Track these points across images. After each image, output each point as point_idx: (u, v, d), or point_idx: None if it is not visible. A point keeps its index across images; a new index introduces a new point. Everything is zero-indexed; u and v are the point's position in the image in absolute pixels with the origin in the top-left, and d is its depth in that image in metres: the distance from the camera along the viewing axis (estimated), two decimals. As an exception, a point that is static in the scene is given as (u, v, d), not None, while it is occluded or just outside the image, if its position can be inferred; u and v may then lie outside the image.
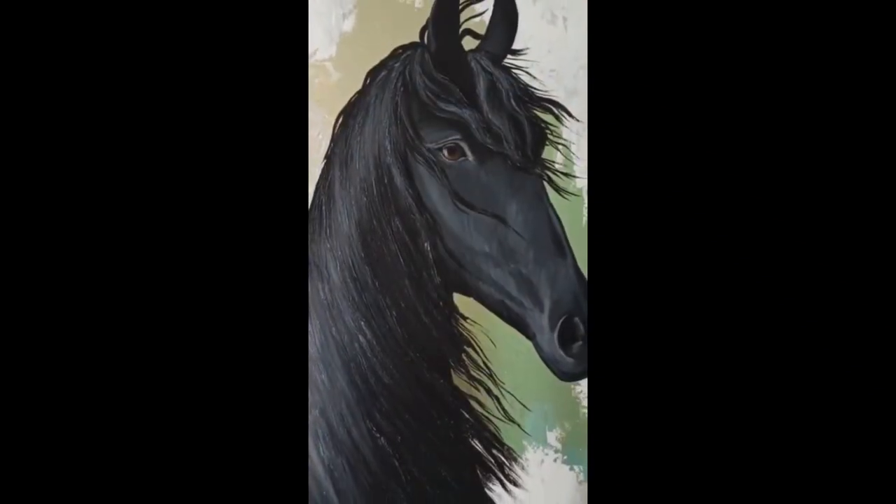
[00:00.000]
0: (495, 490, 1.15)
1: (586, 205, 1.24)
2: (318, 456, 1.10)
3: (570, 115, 1.17)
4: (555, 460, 1.22)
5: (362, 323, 1.10)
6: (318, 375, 1.11)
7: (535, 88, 1.16)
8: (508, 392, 1.14)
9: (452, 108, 1.09)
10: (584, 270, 1.03)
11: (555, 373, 1.06)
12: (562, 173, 1.14)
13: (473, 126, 1.08)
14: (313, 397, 1.11)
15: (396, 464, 1.09)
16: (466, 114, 1.09)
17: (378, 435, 1.09)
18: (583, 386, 1.22)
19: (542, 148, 1.15)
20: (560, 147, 1.18)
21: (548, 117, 1.15)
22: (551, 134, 1.15)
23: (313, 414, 1.11)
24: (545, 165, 1.12)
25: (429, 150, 1.10)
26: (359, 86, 1.18)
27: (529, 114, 1.13)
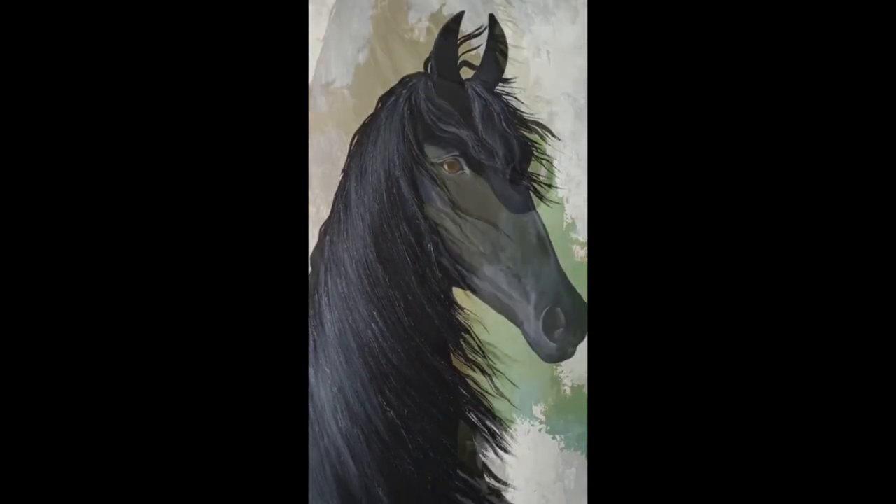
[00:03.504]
0: (489, 455, 1.30)
1: (567, 212, 1.39)
2: (336, 426, 1.24)
3: (552, 134, 1.32)
4: (539, 431, 1.38)
5: (375, 313, 1.23)
6: (337, 358, 1.24)
7: (522, 112, 1.28)
8: (500, 372, 1.28)
9: (452, 129, 1.22)
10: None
11: (539, 355, 1.19)
12: (545, 184, 1.27)
13: (470, 144, 1.21)
14: (332, 376, 1.24)
15: (404, 433, 1.23)
16: (464, 133, 1.21)
17: (388, 408, 1.23)
18: (563, 366, 1.37)
19: (529, 163, 1.28)
20: (544, 162, 1.31)
21: (533, 136, 1.28)
22: (536, 151, 1.28)
23: (332, 391, 1.24)
24: (531, 178, 1.26)
25: (431, 164, 1.22)
26: (371, 110, 1.30)
27: (518, 133, 1.26)
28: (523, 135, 1.28)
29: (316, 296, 1.27)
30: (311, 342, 1.26)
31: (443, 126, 1.23)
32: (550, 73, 1.34)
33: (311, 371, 1.25)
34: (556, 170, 1.35)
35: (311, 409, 1.25)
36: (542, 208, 1.26)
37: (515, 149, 1.24)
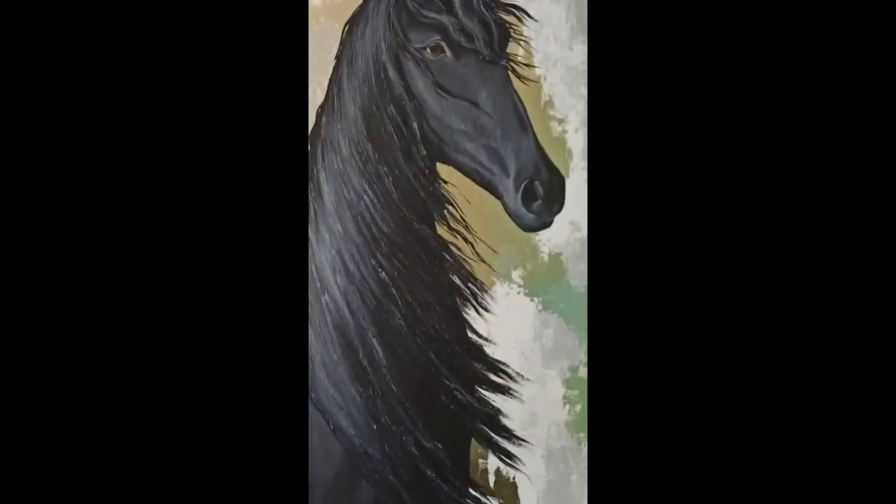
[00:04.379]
0: (470, 314, 1.43)
1: (544, 90, 1.47)
2: (335, 284, 1.40)
3: (529, 16, 1.39)
4: (518, 293, 1.51)
5: (366, 186, 1.37)
6: (334, 225, 1.39)
7: (499, -4, 1.36)
8: (480, 239, 1.40)
9: (433, 15, 1.32)
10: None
11: (518, 225, 1.31)
12: (523, 64, 1.37)
13: (450, 28, 1.31)
14: (331, 241, 1.39)
15: (394, 291, 1.38)
16: (445, 19, 1.32)
17: (380, 270, 1.38)
18: (541, 235, 1.48)
19: (507, 44, 1.37)
20: (521, 43, 1.40)
21: (510, 19, 1.37)
22: (514, 32, 1.37)
23: (331, 254, 1.40)
24: (509, 58, 1.35)
25: (416, 49, 1.34)
26: (360, 0, 1.41)
27: (495, 16, 1.35)
28: (501, 17, 1.37)
29: (314, 170, 1.43)
30: (311, 212, 1.42)
31: (425, 12, 1.33)
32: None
33: (312, 236, 1.41)
34: (533, 50, 1.43)
35: (313, 269, 1.41)
36: (520, 87, 1.34)
37: (493, 31, 1.33)
